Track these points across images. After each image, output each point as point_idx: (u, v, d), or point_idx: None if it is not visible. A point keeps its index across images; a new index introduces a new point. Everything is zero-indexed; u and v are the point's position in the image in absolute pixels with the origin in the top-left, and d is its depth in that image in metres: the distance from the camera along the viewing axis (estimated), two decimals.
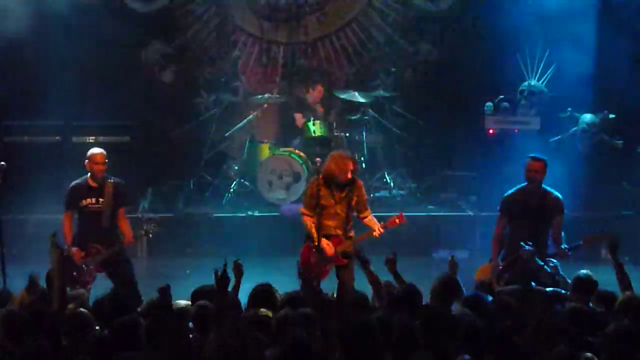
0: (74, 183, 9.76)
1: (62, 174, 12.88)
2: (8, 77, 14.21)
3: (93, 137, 13.46)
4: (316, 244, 9.43)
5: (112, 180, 9.68)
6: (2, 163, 9.77)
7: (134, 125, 14.03)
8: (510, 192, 9.68)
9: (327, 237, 9.52)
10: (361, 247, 8.39)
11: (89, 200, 9.61)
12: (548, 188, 9.62)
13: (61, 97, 14.27)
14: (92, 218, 9.59)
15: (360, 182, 9.78)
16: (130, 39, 14.75)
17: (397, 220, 9.69)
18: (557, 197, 9.56)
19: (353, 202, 9.55)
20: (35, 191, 12.69)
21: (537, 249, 9.18)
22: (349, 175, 9.48)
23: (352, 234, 9.67)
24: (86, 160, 9.67)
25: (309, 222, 9.55)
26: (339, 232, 9.52)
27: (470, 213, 13.56)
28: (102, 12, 14.48)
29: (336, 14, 15.10)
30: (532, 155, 9.68)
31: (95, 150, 9.72)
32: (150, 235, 9.96)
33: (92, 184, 9.64)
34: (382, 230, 9.54)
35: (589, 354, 5.87)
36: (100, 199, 9.59)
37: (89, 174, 9.65)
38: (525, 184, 9.58)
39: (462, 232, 13.10)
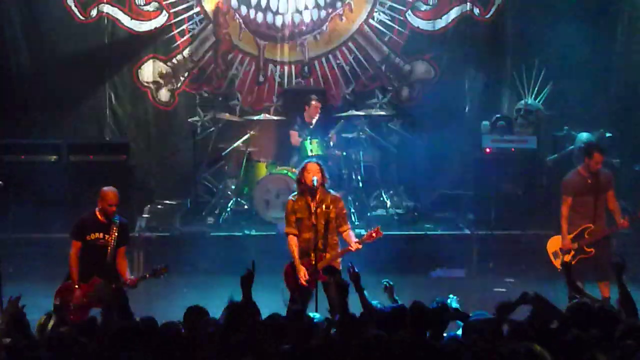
0: (82, 216, 9.73)
1: (59, 192, 12.90)
2: (4, 95, 14.20)
3: (90, 156, 13.44)
4: (296, 266, 9.46)
5: (118, 219, 9.69)
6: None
7: (131, 143, 14.04)
8: (568, 176, 10.83)
9: (307, 254, 9.47)
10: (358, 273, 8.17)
11: (96, 234, 9.58)
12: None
13: (58, 116, 14.31)
14: (97, 252, 9.55)
15: (339, 196, 9.75)
16: (126, 58, 14.77)
17: (373, 235, 9.58)
18: (607, 172, 10.84)
19: (332, 214, 9.47)
20: (32, 210, 12.64)
21: (599, 219, 10.65)
22: (318, 178, 9.43)
23: (336, 249, 9.54)
24: (99, 199, 9.64)
25: (292, 243, 9.54)
26: (319, 245, 9.36)
27: (467, 232, 13.52)
28: (98, 31, 14.52)
29: (333, 32, 15.12)
30: (598, 148, 10.74)
31: (110, 190, 9.67)
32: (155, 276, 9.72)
33: (101, 219, 9.63)
34: (359, 245, 9.45)
35: None
36: (107, 235, 9.60)
37: (98, 209, 9.65)
38: (580, 166, 10.77)
39: (459, 251, 13.06)
